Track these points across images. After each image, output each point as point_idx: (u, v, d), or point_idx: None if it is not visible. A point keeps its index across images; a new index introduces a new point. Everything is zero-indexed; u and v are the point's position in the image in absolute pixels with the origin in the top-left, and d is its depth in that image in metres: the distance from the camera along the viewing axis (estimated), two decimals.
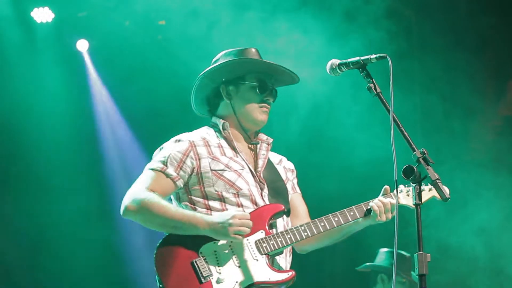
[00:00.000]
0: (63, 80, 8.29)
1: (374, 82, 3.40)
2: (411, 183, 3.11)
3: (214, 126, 4.14)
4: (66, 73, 8.31)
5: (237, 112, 4.08)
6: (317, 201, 5.10)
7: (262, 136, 4.18)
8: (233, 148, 4.05)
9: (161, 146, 4.03)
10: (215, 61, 4.15)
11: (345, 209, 3.93)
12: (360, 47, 7.19)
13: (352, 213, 3.91)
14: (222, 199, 3.92)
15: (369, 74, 3.45)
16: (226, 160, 3.97)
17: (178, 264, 3.76)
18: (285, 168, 4.27)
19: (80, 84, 8.44)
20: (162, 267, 3.76)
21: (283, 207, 3.94)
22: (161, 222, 3.83)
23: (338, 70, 3.55)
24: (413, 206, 3.08)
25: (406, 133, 3.25)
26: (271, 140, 4.16)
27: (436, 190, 3.11)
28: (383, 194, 3.89)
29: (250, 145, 4.16)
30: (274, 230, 3.93)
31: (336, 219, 3.91)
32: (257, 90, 4.06)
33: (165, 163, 3.91)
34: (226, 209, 3.87)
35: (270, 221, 3.91)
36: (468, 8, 8.16)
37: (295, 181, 4.30)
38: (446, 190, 3.23)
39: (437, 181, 3.08)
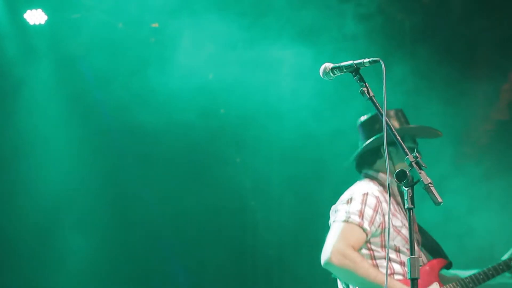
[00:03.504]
0: (60, 83, 8.32)
1: (367, 86, 3.41)
2: (403, 187, 3.12)
3: (375, 180, 4.48)
4: (63, 75, 8.33)
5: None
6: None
7: None
8: (398, 204, 4.46)
9: (349, 197, 4.36)
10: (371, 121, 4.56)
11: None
12: (351, 51, 7.25)
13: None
14: (398, 251, 4.36)
15: (362, 78, 3.45)
16: (401, 217, 4.25)
17: None
18: None
19: (79, 85, 8.46)
20: None
21: (448, 260, 4.56)
22: (361, 282, 4.27)
23: (331, 74, 3.55)
24: None
25: (398, 137, 3.25)
26: None
27: (429, 195, 3.12)
28: None
29: None
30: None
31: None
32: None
33: (360, 217, 4.26)
34: (401, 259, 4.34)
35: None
36: (461, 11, 8.18)
37: None
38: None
39: (430, 185, 3.08)
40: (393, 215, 4.33)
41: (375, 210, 4.30)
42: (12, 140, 8.25)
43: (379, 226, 4.29)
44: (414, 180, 3.10)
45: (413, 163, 3.13)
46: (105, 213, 8.34)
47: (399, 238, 4.34)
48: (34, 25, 8.13)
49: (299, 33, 7.88)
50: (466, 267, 5.03)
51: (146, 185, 8.52)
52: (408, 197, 3.11)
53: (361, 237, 4.29)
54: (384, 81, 3.30)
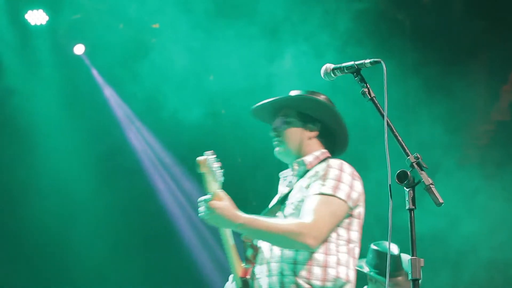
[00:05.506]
0: (62, 82, 8.32)
1: (369, 86, 3.40)
2: (404, 188, 3.12)
3: None
4: (65, 76, 8.34)
5: None
6: None
7: None
8: None
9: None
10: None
11: None
12: (353, 52, 7.25)
13: None
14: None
15: (363, 78, 3.44)
16: None
17: None
18: None
19: (82, 86, 8.47)
20: None
21: None
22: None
23: (332, 75, 3.54)
24: None
25: (400, 138, 3.25)
26: None
27: (430, 195, 3.11)
28: None
29: None
30: None
31: None
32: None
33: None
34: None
35: None
36: (462, 12, 8.18)
37: None
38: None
39: (431, 186, 3.08)
40: None
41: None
42: (14, 140, 8.26)
43: None
44: (415, 181, 3.10)
45: (414, 164, 3.13)
46: (119, 215, 8.38)
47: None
48: (35, 25, 8.13)
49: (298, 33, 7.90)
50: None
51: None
52: (409, 198, 3.10)
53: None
54: (385, 81, 3.30)
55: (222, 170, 3.71)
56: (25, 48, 8.21)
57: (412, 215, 3.09)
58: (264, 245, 3.97)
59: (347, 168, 3.93)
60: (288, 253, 3.83)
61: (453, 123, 7.89)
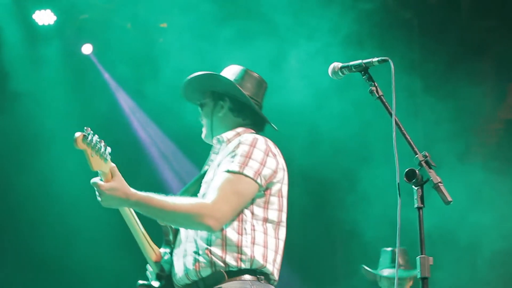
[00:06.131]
0: (71, 83, 8.34)
1: (376, 85, 3.40)
2: (413, 186, 3.12)
3: None
4: (73, 76, 8.35)
5: None
6: None
7: None
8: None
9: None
10: None
11: None
12: (360, 50, 7.25)
13: None
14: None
15: (371, 77, 3.44)
16: None
17: None
18: None
19: (91, 86, 8.48)
20: None
21: None
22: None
23: (340, 73, 3.54)
24: None
25: (408, 136, 3.25)
26: None
27: (438, 194, 3.12)
28: None
29: None
30: None
31: None
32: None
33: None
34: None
35: None
36: (469, 11, 8.18)
37: None
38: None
39: (439, 184, 3.09)
40: None
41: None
42: (22, 143, 8.27)
43: None
44: (424, 179, 3.11)
45: (422, 162, 3.13)
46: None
47: None
48: (43, 25, 8.15)
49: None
50: None
51: None
52: (418, 196, 3.11)
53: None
54: (393, 80, 3.30)
55: (107, 148, 3.48)
56: (33, 49, 8.22)
57: (421, 213, 3.10)
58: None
59: (261, 144, 3.74)
60: (202, 232, 3.68)
61: (460, 122, 7.88)
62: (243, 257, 3.63)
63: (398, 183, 3.12)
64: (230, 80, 3.98)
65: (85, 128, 3.46)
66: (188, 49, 7.94)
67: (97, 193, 3.49)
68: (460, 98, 7.86)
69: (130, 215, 3.70)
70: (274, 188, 3.77)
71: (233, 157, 3.69)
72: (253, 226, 3.70)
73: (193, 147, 8.22)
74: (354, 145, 7.94)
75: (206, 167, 3.97)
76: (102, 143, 3.47)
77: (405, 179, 3.10)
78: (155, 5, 8.00)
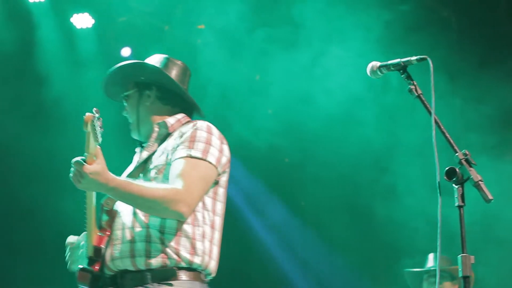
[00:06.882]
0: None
1: (415, 84, 3.39)
2: (453, 185, 3.11)
3: None
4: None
5: None
6: None
7: None
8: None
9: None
10: None
11: None
12: (399, 49, 7.21)
13: None
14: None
15: (410, 76, 3.44)
16: None
17: None
18: None
19: None
20: None
21: None
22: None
23: (378, 73, 3.54)
24: None
25: (447, 135, 3.24)
26: None
27: (479, 192, 3.10)
28: None
29: None
30: None
31: None
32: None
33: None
34: None
35: None
36: (508, 8, 8.12)
37: None
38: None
39: (480, 182, 3.07)
40: None
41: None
42: (62, 146, 8.33)
43: None
44: (464, 178, 3.10)
45: (462, 161, 3.12)
46: None
47: None
48: (81, 29, 8.21)
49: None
50: None
51: None
52: (459, 194, 3.10)
53: None
54: (432, 78, 3.30)
55: (102, 130, 3.45)
56: (72, 52, 8.28)
57: (462, 212, 3.09)
58: (124, 210, 3.65)
59: (215, 131, 3.70)
60: (155, 219, 3.54)
61: (501, 122, 7.84)
62: (196, 251, 3.53)
63: (439, 182, 3.11)
64: (157, 67, 3.93)
65: (94, 109, 3.44)
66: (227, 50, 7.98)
67: (76, 173, 3.37)
68: (495, 95, 7.81)
69: (92, 197, 3.58)
70: (223, 179, 3.72)
71: (192, 142, 3.60)
72: (204, 218, 3.61)
73: None
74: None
75: (145, 153, 3.83)
76: (100, 123, 3.44)
77: (445, 177, 3.09)
78: (193, 7, 8.02)
